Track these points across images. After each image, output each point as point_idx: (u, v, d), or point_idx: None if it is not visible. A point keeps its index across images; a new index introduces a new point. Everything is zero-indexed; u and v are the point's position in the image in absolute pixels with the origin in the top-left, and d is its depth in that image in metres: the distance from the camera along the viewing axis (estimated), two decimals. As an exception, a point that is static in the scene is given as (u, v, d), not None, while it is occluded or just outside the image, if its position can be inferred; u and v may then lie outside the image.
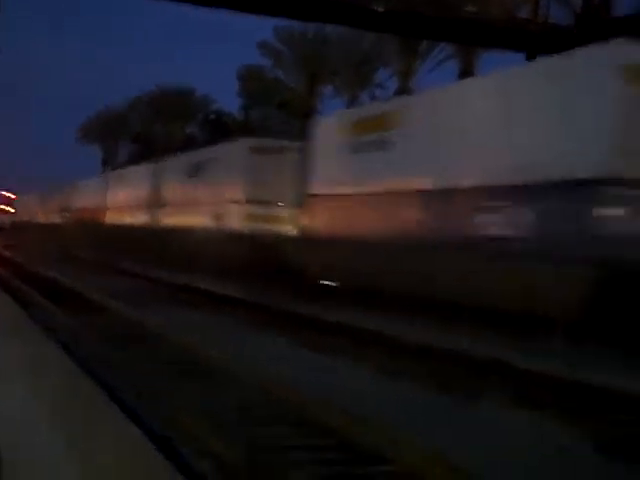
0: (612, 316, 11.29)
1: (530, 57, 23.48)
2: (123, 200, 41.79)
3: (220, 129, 56.07)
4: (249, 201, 25.46)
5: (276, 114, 53.34)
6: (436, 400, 8.77)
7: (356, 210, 18.75)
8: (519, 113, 14.26)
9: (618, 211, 12.30)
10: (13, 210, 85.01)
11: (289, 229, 23.85)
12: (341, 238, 18.76)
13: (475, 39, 27.51)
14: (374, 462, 5.91)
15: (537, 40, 23.35)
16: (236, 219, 25.93)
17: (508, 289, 12.90)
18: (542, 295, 12.30)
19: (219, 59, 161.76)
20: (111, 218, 43.42)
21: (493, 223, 14.07)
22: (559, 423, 7.69)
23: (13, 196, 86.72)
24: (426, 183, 16.22)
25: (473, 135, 15.14)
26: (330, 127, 20.98)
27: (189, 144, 53.36)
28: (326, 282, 19.16)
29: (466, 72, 34.57)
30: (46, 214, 64.28)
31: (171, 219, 33.25)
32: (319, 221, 20.52)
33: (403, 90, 38.29)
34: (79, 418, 5.76)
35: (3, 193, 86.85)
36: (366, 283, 17.09)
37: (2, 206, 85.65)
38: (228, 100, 67.90)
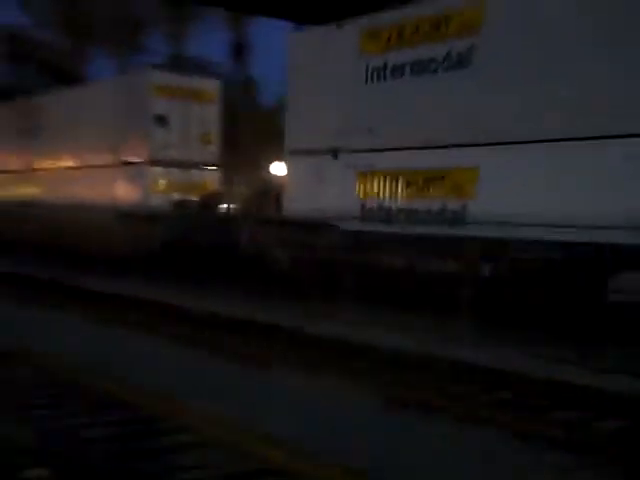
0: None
1: (298, 26, 24.03)
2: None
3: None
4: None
5: (39, 76, 50.55)
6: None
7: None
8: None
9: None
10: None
11: None
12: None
13: (239, 6, 27.22)
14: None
15: (304, 9, 23.76)
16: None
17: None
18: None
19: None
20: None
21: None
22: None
23: None
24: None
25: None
26: None
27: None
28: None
29: (238, 38, 34.80)
30: None
31: (15, 189, 25.30)
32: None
33: (175, 55, 37.80)
34: None
35: None
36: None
37: None
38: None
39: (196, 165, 19.64)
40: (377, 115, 13.21)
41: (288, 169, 15.39)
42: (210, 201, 18.11)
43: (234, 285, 15.07)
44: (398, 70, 12.73)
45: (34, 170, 24.02)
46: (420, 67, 12.40)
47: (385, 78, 12.96)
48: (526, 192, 10.89)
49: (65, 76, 42.62)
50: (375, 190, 13.15)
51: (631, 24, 9.84)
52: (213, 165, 20.15)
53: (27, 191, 24.17)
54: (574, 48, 10.33)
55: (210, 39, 40.34)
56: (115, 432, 6.25)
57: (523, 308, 10.99)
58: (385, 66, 12.94)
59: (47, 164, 23.38)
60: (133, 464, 5.52)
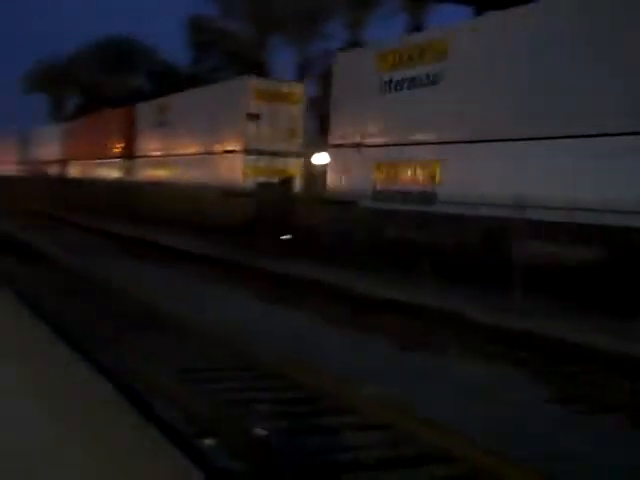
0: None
1: (479, 11, 23.51)
2: (83, 151, 39.13)
3: (167, 81, 55.16)
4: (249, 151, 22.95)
5: (225, 66, 52.62)
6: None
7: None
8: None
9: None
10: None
11: None
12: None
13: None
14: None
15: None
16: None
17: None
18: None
19: (166, 10, 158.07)
20: (71, 170, 41.29)
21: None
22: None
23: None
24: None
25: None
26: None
27: (136, 96, 52.39)
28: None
29: (415, 25, 34.57)
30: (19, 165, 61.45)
31: (144, 172, 30.64)
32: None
33: (353, 42, 38.11)
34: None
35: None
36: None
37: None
38: (177, 52, 66.72)
39: (282, 154, 23.27)
40: (386, 119, 17.00)
41: (330, 159, 19.19)
42: (284, 183, 21.64)
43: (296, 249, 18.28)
44: (399, 85, 16.55)
45: (165, 156, 28.93)
46: (412, 83, 16.17)
47: (391, 91, 16.78)
48: (481, 180, 13.86)
49: (248, 64, 44.18)
50: (382, 177, 16.89)
51: (550, 51, 12.95)
52: (297, 154, 23.52)
53: (161, 173, 29.12)
54: (509, 70, 13.74)
55: (388, 24, 40.09)
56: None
57: None
58: (391, 81, 16.77)
59: (174, 151, 28.03)
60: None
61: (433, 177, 15.32)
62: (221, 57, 52.78)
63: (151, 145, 30.25)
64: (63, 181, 41.19)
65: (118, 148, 33.67)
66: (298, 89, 23.83)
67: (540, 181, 12.64)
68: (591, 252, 11.66)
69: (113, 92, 59.66)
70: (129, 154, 32.28)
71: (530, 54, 13.26)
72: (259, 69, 39.71)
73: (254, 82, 23.57)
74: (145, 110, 31.33)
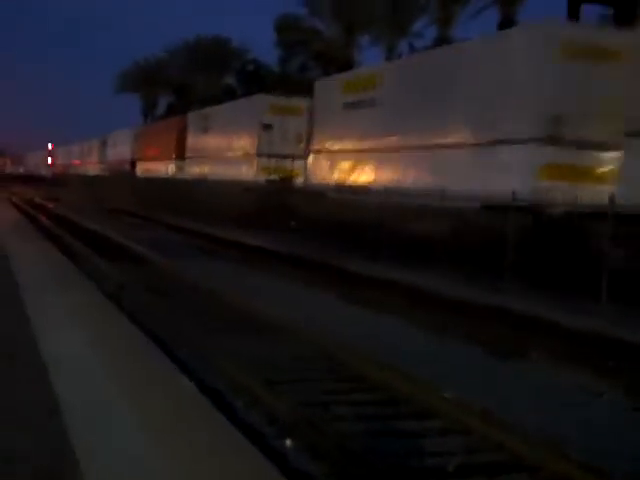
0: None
1: (573, 5, 22.87)
2: (153, 152, 43.41)
3: (257, 80, 55.79)
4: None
5: (313, 65, 52.87)
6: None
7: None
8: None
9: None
10: (52, 161, 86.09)
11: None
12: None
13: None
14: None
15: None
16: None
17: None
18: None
19: (256, 9, 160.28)
20: (144, 170, 44.51)
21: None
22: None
23: (51, 146, 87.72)
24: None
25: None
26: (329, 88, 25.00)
27: (227, 95, 53.19)
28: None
29: (506, 21, 33.87)
30: (85, 165, 65.78)
31: (195, 169, 35.48)
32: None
33: (442, 39, 37.66)
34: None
35: (48, 146, 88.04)
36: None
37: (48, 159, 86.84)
38: (265, 51, 67.46)
39: (289, 156, 28.60)
40: (344, 131, 22.62)
41: (310, 161, 24.97)
42: (285, 180, 27.44)
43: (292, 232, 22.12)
44: (352, 106, 22.12)
45: (205, 157, 34.81)
46: (360, 105, 21.74)
47: (347, 110, 22.35)
48: (403, 178, 19.25)
49: (336, 63, 44.25)
50: (338, 174, 22.67)
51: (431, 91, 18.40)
52: (301, 157, 27.46)
53: (203, 171, 34.21)
54: (406, 100, 19.40)
55: (479, 20, 39.44)
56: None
57: None
58: (347, 103, 22.41)
59: (212, 153, 33.87)
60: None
61: (370, 177, 20.91)
62: (309, 56, 53.03)
63: (197, 147, 36.40)
64: (134, 179, 45.36)
65: (172, 150, 39.83)
66: (303, 103, 28.02)
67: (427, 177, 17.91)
68: None
69: (204, 91, 60.75)
70: (181, 155, 38.18)
71: (413, 91, 19.19)
72: (346, 68, 39.70)
73: (270, 98, 29.65)
74: (194, 119, 37.60)
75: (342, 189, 21.87)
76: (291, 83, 38.03)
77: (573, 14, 20.22)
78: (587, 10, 21.44)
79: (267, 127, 28.29)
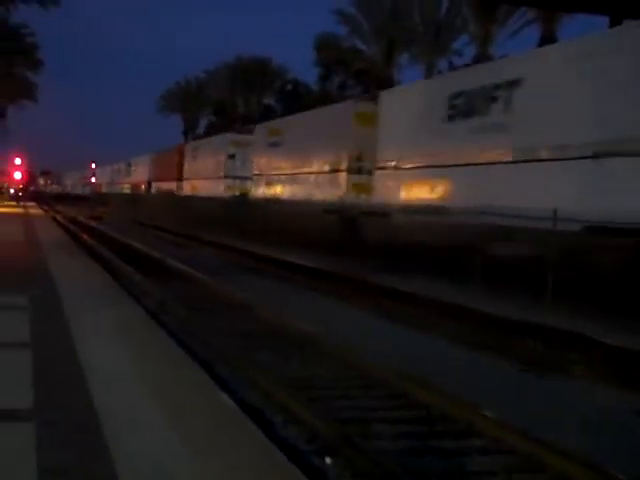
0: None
1: (615, 21, 22.67)
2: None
3: (297, 99, 56.16)
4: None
5: (353, 84, 53.09)
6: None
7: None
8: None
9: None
10: (94, 180, 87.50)
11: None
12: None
13: (556, 2, 26.62)
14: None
15: (625, 2, 22.46)
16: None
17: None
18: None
19: (296, 28, 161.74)
20: (190, 189, 44.27)
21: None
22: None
23: (93, 166, 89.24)
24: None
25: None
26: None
27: (266, 115, 53.62)
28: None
29: (547, 38, 33.66)
30: (116, 185, 67.77)
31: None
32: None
33: (481, 57, 37.57)
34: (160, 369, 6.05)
35: (91, 166, 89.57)
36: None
37: (92, 179, 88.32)
38: (304, 70, 67.98)
39: (247, 178, 34.90)
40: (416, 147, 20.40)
41: (376, 179, 22.68)
42: (243, 195, 33.69)
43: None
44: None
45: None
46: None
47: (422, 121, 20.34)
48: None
49: (376, 82, 44.37)
50: (409, 193, 20.58)
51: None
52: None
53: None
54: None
55: (518, 38, 39.29)
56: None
57: None
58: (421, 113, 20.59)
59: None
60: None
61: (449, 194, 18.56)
62: (348, 75, 53.28)
63: (190, 170, 45.08)
64: (178, 198, 45.54)
65: (174, 173, 46.30)
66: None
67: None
68: None
69: (244, 110, 61.31)
70: (180, 177, 46.06)
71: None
72: (386, 86, 39.79)
73: (233, 135, 35.75)
74: (188, 149, 46.09)
75: (414, 209, 19.24)
76: (330, 101, 38.15)
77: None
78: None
79: (231, 157, 36.51)
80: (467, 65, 35.86)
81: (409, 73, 48.18)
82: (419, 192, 19.89)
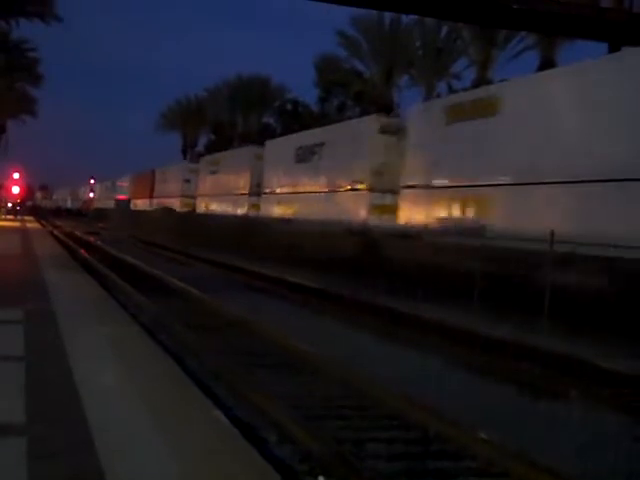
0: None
1: (614, 48, 22.83)
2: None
3: (296, 119, 56.32)
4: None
5: (352, 105, 53.27)
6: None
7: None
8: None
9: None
10: (93, 195, 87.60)
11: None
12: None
13: (556, 28, 26.83)
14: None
15: (624, 30, 22.64)
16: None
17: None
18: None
19: (295, 48, 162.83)
20: (199, 206, 44.40)
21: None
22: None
23: (92, 181, 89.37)
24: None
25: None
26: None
27: (265, 134, 53.71)
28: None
29: (546, 63, 33.87)
30: (104, 200, 69.42)
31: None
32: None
33: (480, 81, 37.75)
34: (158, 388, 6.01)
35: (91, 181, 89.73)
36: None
37: (90, 194, 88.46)
38: (304, 90, 68.23)
39: (193, 197, 46.90)
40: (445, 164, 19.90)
41: (401, 199, 22.08)
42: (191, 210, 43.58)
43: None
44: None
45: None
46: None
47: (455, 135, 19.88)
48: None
49: (375, 103, 44.54)
50: (436, 213, 19.73)
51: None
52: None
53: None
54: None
55: (517, 62, 39.51)
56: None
57: None
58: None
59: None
60: None
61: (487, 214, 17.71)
62: (347, 96, 53.47)
63: (160, 191, 55.67)
64: (177, 215, 46.91)
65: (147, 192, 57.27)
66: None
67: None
68: None
69: (243, 129, 61.44)
70: (152, 195, 56.89)
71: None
72: (386, 108, 39.96)
73: (189, 165, 45.47)
74: (158, 174, 57.04)
75: (445, 230, 18.22)
76: (329, 122, 38.27)
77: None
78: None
79: (187, 181, 47.76)
80: (465, 89, 36.09)
81: (409, 95, 48.44)
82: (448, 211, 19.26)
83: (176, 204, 47.61)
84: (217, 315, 13.58)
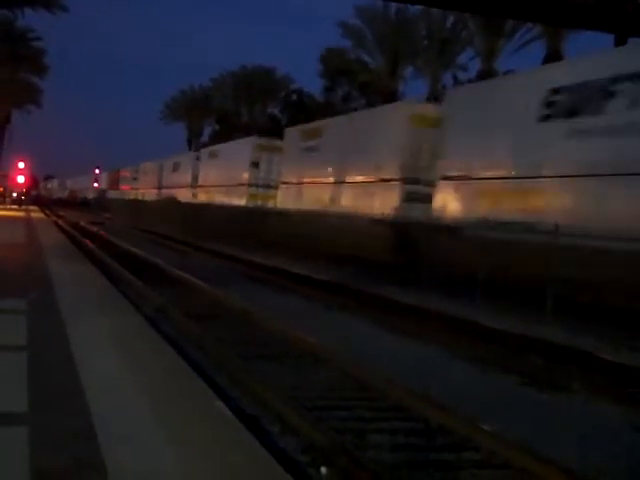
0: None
1: (621, 39, 22.71)
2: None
3: (301, 110, 56.25)
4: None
5: (357, 96, 53.19)
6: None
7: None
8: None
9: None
10: (97, 185, 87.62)
11: None
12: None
13: (562, 19, 26.65)
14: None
15: (631, 21, 22.50)
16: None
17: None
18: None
19: (301, 41, 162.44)
20: (201, 197, 43.43)
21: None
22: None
23: (97, 171, 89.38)
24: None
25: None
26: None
27: (271, 124, 53.67)
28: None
29: (553, 54, 33.72)
30: (130, 190, 68.03)
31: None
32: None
33: (486, 72, 37.62)
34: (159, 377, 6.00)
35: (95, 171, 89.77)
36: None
37: (94, 184, 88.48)
38: (308, 81, 68.04)
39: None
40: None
41: (439, 191, 20.59)
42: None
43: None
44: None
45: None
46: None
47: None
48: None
49: (380, 94, 44.43)
50: (484, 206, 17.75)
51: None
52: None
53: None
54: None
55: (523, 53, 39.39)
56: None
57: None
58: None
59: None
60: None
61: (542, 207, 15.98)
62: (353, 86, 53.39)
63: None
64: (181, 206, 45.35)
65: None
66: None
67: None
68: None
69: (248, 120, 61.41)
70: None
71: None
72: (391, 98, 39.87)
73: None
74: (129, 170, 66.69)
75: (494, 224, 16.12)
76: (334, 113, 38.21)
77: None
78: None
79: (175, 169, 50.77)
80: (470, 81, 35.91)
81: (414, 86, 48.39)
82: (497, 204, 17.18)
83: (186, 194, 45.47)
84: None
